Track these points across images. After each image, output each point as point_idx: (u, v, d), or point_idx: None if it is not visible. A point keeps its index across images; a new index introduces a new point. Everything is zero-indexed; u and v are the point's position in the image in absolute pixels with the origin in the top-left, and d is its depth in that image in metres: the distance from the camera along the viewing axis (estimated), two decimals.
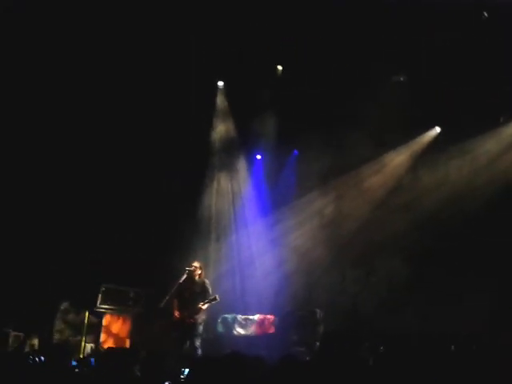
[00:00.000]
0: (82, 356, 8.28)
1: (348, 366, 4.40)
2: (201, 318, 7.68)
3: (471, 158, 9.82)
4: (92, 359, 6.02)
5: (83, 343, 8.60)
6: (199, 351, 7.55)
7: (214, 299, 7.66)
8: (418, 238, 9.46)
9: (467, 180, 9.67)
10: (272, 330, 9.05)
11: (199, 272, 7.90)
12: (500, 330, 7.61)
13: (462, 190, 9.53)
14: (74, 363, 5.26)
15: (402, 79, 9.60)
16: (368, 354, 7.48)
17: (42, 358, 5.18)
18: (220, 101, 10.53)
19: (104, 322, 8.85)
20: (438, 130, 10.13)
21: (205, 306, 7.61)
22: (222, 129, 10.70)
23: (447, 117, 9.33)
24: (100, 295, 8.88)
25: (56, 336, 8.42)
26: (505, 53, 7.99)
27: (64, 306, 8.60)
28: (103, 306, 8.91)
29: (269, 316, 9.22)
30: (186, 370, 4.84)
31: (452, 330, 7.73)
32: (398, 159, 10.37)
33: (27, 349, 7.93)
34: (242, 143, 10.72)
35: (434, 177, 9.97)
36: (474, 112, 8.80)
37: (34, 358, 5.25)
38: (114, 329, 8.99)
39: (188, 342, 7.59)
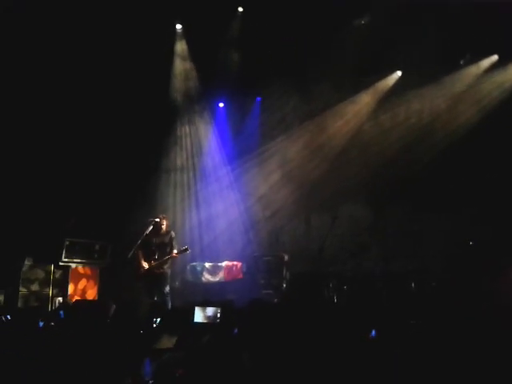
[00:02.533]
0: (50, 309, 8.26)
1: (314, 304, 4.59)
2: (168, 267, 7.76)
3: (431, 103, 9.97)
4: (61, 312, 5.96)
5: (51, 297, 8.56)
6: (169, 300, 7.67)
7: (186, 250, 7.71)
8: (379, 182, 9.69)
9: (426, 124, 9.87)
10: (240, 276, 9.22)
11: (165, 223, 7.90)
12: (457, 267, 7.99)
13: (421, 134, 9.74)
14: (41, 324, 5.18)
15: (363, 22, 9.48)
16: (333, 293, 7.83)
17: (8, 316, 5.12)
18: (179, 46, 10.13)
19: (71, 278, 8.80)
20: (399, 74, 10.15)
21: (177, 255, 7.69)
22: (182, 77, 10.36)
23: (408, 61, 9.34)
24: (64, 249, 8.79)
25: (22, 291, 8.33)
26: None
27: (29, 260, 8.47)
28: (68, 260, 8.83)
29: (236, 262, 9.38)
30: (158, 320, 4.89)
31: (412, 268, 8.10)
32: (360, 104, 10.40)
33: None
34: (204, 91, 10.46)
35: (395, 121, 10.10)
36: (434, 55, 8.84)
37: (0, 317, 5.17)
38: (82, 285, 8.98)
39: (157, 292, 7.68)
